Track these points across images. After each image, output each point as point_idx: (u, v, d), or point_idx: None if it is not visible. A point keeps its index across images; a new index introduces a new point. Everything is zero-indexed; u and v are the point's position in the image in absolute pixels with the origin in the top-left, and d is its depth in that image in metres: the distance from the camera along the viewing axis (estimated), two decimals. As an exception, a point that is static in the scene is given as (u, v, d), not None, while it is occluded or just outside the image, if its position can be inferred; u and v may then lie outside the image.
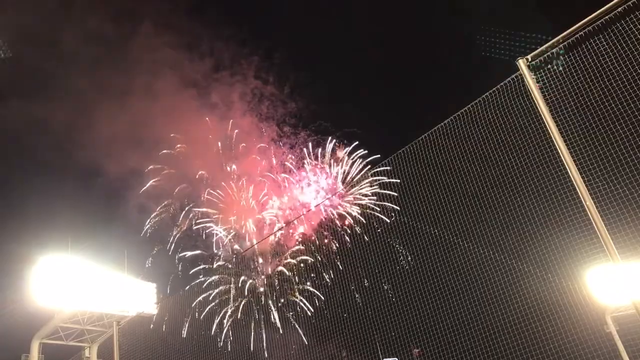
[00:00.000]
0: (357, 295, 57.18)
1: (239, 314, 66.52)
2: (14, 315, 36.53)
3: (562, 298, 31.18)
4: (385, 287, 52.53)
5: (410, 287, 43.50)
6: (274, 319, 65.61)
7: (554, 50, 13.18)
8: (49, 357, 36.53)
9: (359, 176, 74.67)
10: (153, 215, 75.59)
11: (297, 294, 67.25)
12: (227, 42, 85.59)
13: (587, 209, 11.38)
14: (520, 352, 34.24)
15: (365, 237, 65.30)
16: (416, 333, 42.56)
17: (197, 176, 77.20)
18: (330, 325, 59.66)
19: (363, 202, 69.99)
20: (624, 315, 32.04)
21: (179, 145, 76.93)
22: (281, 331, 64.20)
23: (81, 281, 35.81)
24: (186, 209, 76.00)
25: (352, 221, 69.24)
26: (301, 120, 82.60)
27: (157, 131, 76.68)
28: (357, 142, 77.76)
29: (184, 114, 79.05)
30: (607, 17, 12.85)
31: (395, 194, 64.43)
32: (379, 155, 74.71)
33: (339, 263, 65.57)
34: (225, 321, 66.03)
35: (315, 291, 66.57)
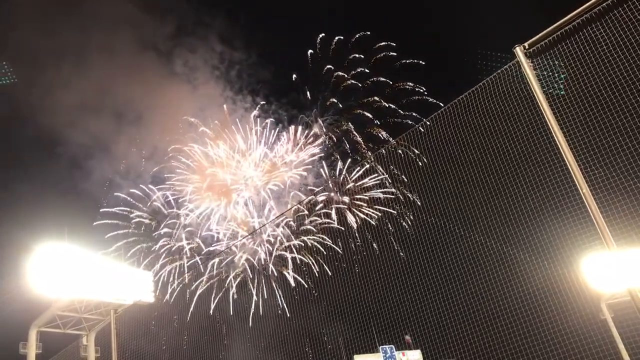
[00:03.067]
0: (358, 272, 57.27)
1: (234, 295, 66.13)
2: (11, 304, 36.56)
3: (558, 285, 31.38)
4: (381, 274, 52.63)
5: (405, 274, 43.67)
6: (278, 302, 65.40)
7: (551, 38, 13.14)
8: (46, 345, 36.62)
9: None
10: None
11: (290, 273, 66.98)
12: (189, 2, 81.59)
13: (583, 196, 11.39)
14: (516, 339, 34.49)
15: (371, 221, 65.19)
16: (411, 320, 42.85)
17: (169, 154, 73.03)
18: (326, 312, 59.96)
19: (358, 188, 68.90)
20: (618, 303, 32.32)
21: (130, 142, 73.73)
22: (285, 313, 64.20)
23: (78, 269, 35.73)
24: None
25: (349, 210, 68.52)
26: (274, 91, 76.91)
27: (121, 97, 72.99)
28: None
29: (147, 80, 74.46)
30: (603, 4, 12.80)
31: (390, 183, 64.32)
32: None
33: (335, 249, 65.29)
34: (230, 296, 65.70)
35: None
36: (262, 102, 74.68)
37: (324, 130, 73.00)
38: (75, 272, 35.55)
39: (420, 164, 31.28)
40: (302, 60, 75.60)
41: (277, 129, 73.58)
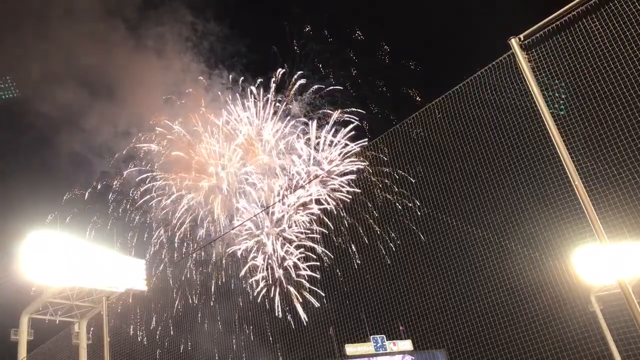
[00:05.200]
0: (339, 273, 57.27)
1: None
2: (3, 291, 36.48)
3: (550, 276, 31.62)
4: (373, 264, 52.78)
5: (397, 264, 43.88)
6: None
7: (547, 30, 13.12)
8: (38, 332, 36.63)
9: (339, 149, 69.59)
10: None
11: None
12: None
13: (575, 188, 11.41)
14: (506, 329, 34.78)
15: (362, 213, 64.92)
16: (403, 310, 43.05)
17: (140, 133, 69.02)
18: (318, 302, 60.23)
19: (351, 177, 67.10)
20: (607, 295, 32.68)
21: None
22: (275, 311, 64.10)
23: (70, 257, 35.76)
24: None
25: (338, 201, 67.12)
26: (250, 66, 72.68)
27: (91, 70, 68.50)
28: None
29: (117, 52, 70.68)
30: (600, -4, 12.81)
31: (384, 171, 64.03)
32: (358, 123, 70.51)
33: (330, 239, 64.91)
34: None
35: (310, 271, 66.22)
36: (238, 79, 70.85)
37: (303, 111, 70.27)
38: (68, 260, 35.57)
39: (412, 155, 31.27)
40: (279, 35, 73.11)
41: (255, 109, 70.33)
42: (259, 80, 69.95)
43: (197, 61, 72.10)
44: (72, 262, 35.70)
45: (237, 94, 69.85)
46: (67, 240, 36.94)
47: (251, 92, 69.91)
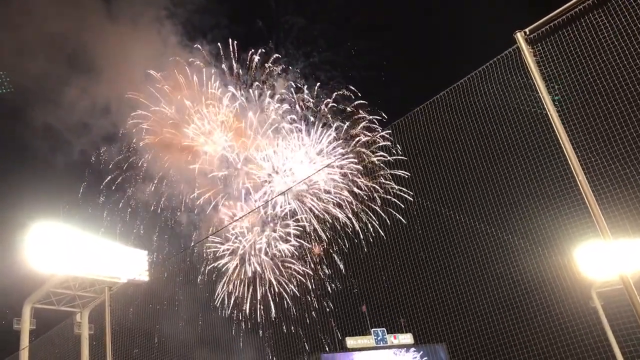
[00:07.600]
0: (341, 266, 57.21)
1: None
2: (5, 280, 36.67)
3: (551, 272, 31.62)
4: (373, 256, 52.67)
5: (397, 257, 43.88)
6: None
7: (553, 24, 13.05)
8: (40, 322, 36.84)
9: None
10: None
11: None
12: None
13: (579, 183, 11.38)
14: (506, 323, 34.84)
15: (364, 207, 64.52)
16: (403, 303, 43.14)
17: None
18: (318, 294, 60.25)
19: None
20: (608, 291, 32.74)
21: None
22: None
23: (73, 247, 35.98)
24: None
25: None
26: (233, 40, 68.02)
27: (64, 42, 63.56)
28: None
29: (89, 22, 65.99)
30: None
31: (386, 170, 63.58)
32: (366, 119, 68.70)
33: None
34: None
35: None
36: (220, 54, 65.69)
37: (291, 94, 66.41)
38: (70, 250, 35.79)
39: (416, 148, 31.18)
40: (263, 6, 70.19)
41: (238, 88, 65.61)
42: (243, 56, 65.72)
43: (176, 33, 67.37)
44: (76, 252, 35.93)
45: (219, 70, 65.55)
46: (70, 230, 37.13)
47: (233, 68, 66.07)
